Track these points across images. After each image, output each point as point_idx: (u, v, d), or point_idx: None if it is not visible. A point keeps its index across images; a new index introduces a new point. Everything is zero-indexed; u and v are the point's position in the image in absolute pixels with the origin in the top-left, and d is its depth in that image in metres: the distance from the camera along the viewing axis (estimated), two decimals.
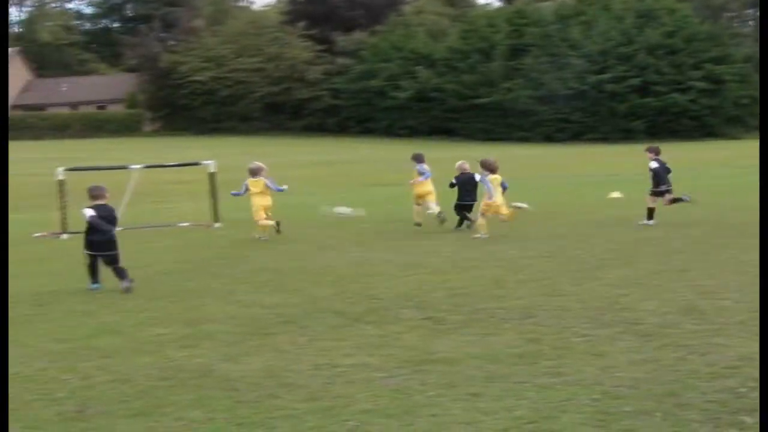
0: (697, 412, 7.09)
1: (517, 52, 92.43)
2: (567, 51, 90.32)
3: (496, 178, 18.95)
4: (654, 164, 20.22)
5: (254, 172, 20.10)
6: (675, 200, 20.30)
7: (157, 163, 27.51)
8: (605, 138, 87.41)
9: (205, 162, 25.15)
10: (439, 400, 7.60)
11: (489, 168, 18.95)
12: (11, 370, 8.90)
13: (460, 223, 20.51)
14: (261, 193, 19.94)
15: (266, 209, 20.04)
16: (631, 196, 26.84)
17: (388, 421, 7.09)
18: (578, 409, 7.19)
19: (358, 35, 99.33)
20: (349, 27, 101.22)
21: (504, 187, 19.32)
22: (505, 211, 18.79)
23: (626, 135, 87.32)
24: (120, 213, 22.83)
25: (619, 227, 19.83)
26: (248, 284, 13.85)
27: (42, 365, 9.22)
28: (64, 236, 21.32)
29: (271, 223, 19.88)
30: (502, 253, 16.36)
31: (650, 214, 20.12)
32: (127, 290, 13.38)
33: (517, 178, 44.53)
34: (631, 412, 7.11)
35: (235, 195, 20.79)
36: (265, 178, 20.07)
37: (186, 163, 27.53)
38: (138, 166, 25.02)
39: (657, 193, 20.16)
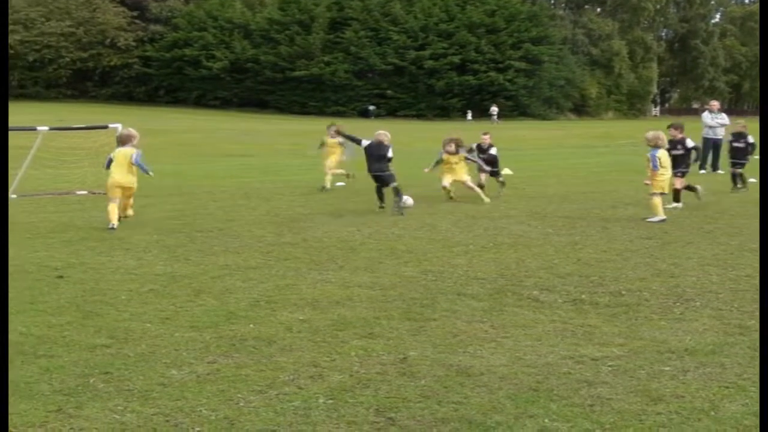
0: None
1: (337, 25, 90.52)
2: (388, 26, 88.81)
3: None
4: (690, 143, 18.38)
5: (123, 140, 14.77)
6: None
7: None
8: (421, 115, 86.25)
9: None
10: None
11: None
12: None
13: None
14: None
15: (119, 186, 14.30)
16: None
17: None
18: None
19: (172, 2, 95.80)
20: None
21: None
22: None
23: (442, 112, 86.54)
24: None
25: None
26: None
27: None
28: None
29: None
30: None
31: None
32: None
33: None
34: None
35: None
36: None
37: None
38: None
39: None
